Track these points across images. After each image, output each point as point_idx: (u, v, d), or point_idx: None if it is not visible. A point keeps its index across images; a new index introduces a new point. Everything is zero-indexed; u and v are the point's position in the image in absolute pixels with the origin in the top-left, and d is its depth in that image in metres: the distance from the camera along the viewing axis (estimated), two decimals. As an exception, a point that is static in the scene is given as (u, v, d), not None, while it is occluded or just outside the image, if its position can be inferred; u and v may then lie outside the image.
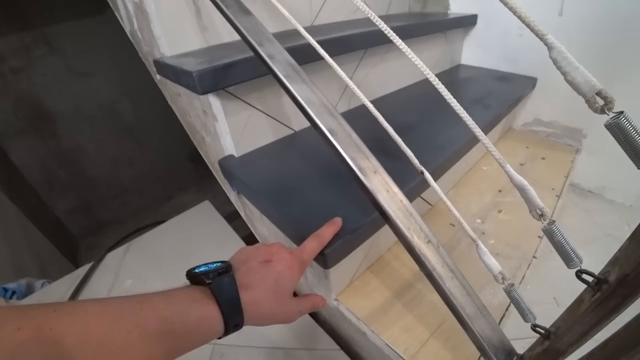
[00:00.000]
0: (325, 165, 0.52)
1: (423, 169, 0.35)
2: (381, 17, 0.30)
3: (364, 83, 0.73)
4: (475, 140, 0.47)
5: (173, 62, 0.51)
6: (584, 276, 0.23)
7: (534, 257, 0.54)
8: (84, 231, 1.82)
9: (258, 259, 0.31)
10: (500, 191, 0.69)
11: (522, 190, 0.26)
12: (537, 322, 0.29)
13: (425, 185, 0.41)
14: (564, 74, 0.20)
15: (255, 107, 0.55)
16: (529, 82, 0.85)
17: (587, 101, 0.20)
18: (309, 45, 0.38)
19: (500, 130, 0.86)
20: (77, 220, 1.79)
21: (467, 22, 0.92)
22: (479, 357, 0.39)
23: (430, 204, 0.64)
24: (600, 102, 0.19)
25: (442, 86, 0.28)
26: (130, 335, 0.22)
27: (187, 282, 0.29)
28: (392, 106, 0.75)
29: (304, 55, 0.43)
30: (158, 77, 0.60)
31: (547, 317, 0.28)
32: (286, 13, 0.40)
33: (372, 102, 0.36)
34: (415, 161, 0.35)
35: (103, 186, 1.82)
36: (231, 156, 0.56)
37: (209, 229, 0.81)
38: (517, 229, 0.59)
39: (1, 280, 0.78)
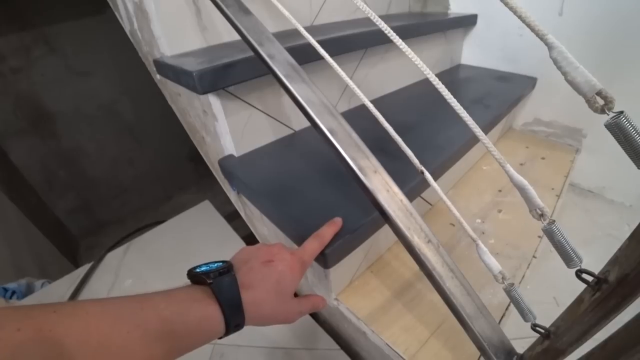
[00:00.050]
0: (325, 165, 0.52)
1: (423, 168, 0.35)
2: (381, 17, 0.30)
3: (364, 83, 0.73)
4: (475, 140, 0.47)
5: (173, 61, 0.51)
6: (584, 276, 0.23)
7: (533, 256, 0.54)
8: (84, 231, 1.82)
9: (259, 259, 0.31)
10: (500, 191, 0.69)
11: (522, 190, 0.26)
12: (537, 321, 0.29)
13: (425, 185, 0.41)
14: (564, 73, 0.20)
15: (255, 107, 0.55)
16: (529, 82, 0.85)
17: (587, 101, 0.20)
18: (309, 45, 0.38)
19: (500, 130, 0.86)
20: (77, 220, 1.79)
21: (467, 22, 0.92)
22: (479, 357, 0.39)
23: (430, 204, 0.64)
24: (601, 102, 0.19)
25: (442, 86, 0.28)
26: (130, 336, 0.22)
27: (187, 281, 0.29)
28: (392, 106, 0.75)
29: (304, 55, 0.43)
30: (158, 76, 0.60)
31: (547, 316, 0.28)
32: (286, 13, 0.40)
33: (372, 101, 0.36)
34: (415, 161, 0.35)
35: (103, 186, 1.82)
36: (231, 156, 0.56)
37: (209, 229, 0.81)
38: (517, 228, 0.59)
39: (1, 280, 0.78)
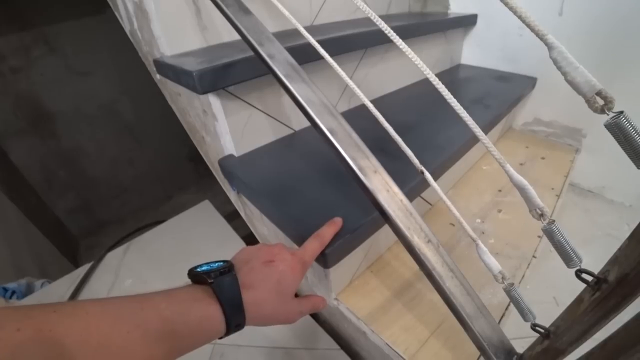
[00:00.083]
0: (325, 165, 0.52)
1: (423, 168, 0.35)
2: (381, 17, 0.30)
3: (364, 83, 0.73)
4: (475, 139, 0.47)
5: (173, 61, 0.51)
6: (584, 275, 0.23)
7: (533, 256, 0.54)
8: (83, 231, 1.82)
9: (260, 259, 0.31)
10: (500, 191, 0.69)
11: (521, 189, 0.26)
12: (537, 321, 0.29)
13: (425, 184, 0.41)
14: (564, 74, 0.20)
15: (255, 107, 0.55)
16: (529, 82, 0.85)
17: (587, 101, 0.20)
18: (309, 45, 0.38)
19: (500, 130, 0.86)
20: (77, 220, 1.79)
21: (467, 21, 0.92)
22: (479, 357, 0.39)
23: (430, 204, 0.64)
24: (600, 102, 0.19)
25: (442, 86, 0.28)
26: (130, 336, 0.21)
27: (188, 281, 0.29)
28: (392, 106, 0.75)
29: (304, 55, 0.43)
30: (158, 76, 0.60)
31: (547, 316, 0.28)
32: (286, 12, 0.40)
33: (372, 101, 0.36)
34: (415, 161, 0.35)
35: (103, 186, 1.82)
36: (231, 156, 0.56)
37: (208, 229, 0.81)
38: (516, 228, 0.59)
39: (1, 280, 0.78)
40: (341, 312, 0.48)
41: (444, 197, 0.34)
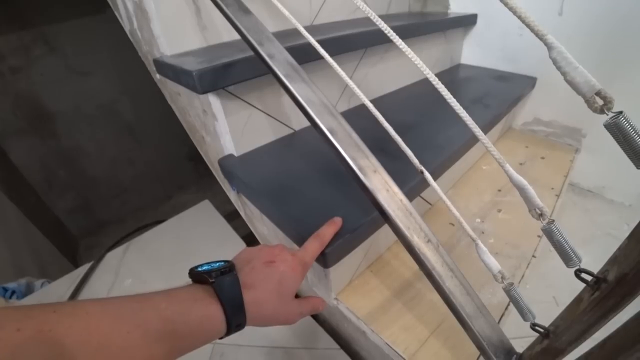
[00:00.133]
0: (325, 165, 0.52)
1: (423, 168, 0.35)
2: (381, 17, 0.30)
3: (364, 82, 0.73)
4: (474, 139, 0.47)
5: (173, 61, 0.51)
6: (583, 275, 0.23)
7: (533, 256, 0.54)
8: (83, 231, 1.82)
9: (261, 259, 0.31)
10: (499, 190, 0.69)
11: (521, 189, 0.27)
12: (537, 321, 0.29)
13: (425, 184, 0.41)
14: (563, 74, 0.20)
15: (255, 107, 0.55)
16: (529, 82, 0.85)
17: (587, 101, 0.20)
18: (309, 45, 0.38)
19: (499, 129, 0.86)
20: (77, 220, 1.79)
21: (467, 21, 0.92)
22: (479, 356, 0.39)
23: (430, 204, 0.64)
24: (600, 102, 0.19)
25: (442, 86, 0.28)
26: (131, 336, 0.21)
27: (188, 281, 0.29)
28: (392, 106, 0.75)
29: (304, 55, 0.43)
30: (158, 76, 0.60)
31: (547, 316, 0.28)
32: (286, 12, 0.40)
33: (372, 101, 0.36)
34: (415, 161, 0.35)
35: (103, 186, 1.82)
36: (231, 155, 0.56)
37: (208, 229, 0.81)
38: (516, 228, 0.59)
39: (1, 280, 0.78)
40: (341, 311, 0.48)
41: (444, 197, 0.34)
